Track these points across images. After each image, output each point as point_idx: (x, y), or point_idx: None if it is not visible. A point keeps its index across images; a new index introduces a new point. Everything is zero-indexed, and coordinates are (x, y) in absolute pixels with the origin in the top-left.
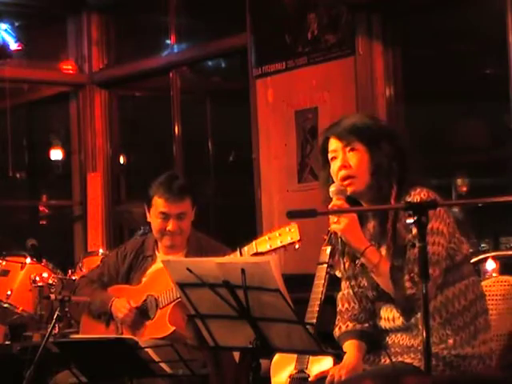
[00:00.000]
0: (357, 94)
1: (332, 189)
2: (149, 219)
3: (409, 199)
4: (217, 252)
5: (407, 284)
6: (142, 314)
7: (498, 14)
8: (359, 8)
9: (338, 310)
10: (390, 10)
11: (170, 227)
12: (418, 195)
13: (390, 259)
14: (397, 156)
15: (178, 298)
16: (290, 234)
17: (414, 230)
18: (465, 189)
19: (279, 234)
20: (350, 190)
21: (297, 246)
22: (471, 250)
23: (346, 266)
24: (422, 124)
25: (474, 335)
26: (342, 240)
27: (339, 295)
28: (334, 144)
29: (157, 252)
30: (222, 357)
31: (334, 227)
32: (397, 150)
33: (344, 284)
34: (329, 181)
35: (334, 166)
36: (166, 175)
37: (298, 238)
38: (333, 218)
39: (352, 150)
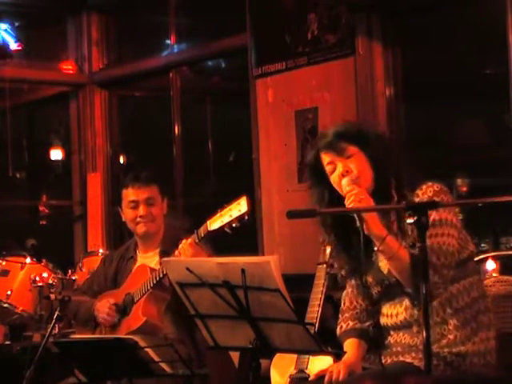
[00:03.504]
0: (357, 94)
1: (344, 182)
2: (123, 218)
3: (420, 192)
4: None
5: (430, 271)
6: (122, 312)
7: (498, 13)
8: (359, 8)
9: (340, 308)
10: (389, 10)
11: (140, 212)
12: (430, 188)
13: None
14: (387, 147)
15: (149, 290)
16: (239, 206)
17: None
18: (465, 189)
19: (230, 209)
20: None
21: (246, 218)
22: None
23: (347, 264)
24: (422, 124)
25: (475, 332)
26: (360, 218)
27: (344, 293)
28: (327, 158)
29: (138, 252)
30: (221, 361)
31: (356, 205)
32: (384, 142)
33: (349, 282)
34: (324, 196)
35: (335, 176)
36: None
37: (246, 209)
38: (354, 198)
39: (348, 155)
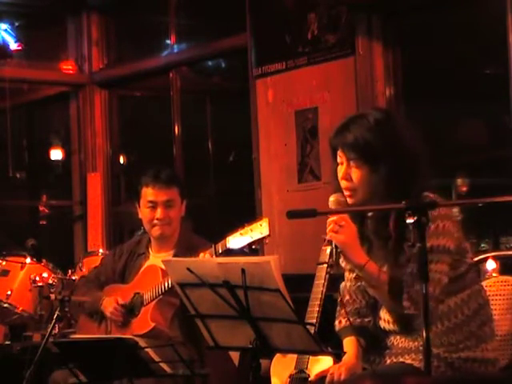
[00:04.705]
0: (357, 94)
1: (331, 199)
2: (140, 215)
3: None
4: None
5: (405, 303)
6: (129, 311)
7: (498, 13)
8: (359, 8)
9: (339, 300)
10: (390, 10)
11: (158, 215)
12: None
13: (390, 277)
14: (398, 175)
15: (160, 295)
16: (260, 229)
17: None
18: (465, 189)
19: (251, 230)
20: (350, 201)
21: (267, 241)
22: (474, 258)
23: None
24: (422, 124)
25: (477, 344)
26: (337, 251)
27: (342, 285)
28: (339, 153)
29: (150, 250)
30: (219, 359)
31: (332, 236)
32: (399, 169)
33: (347, 275)
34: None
35: (339, 172)
36: (153, 167)
37: (268, 233)
38: (333, 227)
39: (355, 166)
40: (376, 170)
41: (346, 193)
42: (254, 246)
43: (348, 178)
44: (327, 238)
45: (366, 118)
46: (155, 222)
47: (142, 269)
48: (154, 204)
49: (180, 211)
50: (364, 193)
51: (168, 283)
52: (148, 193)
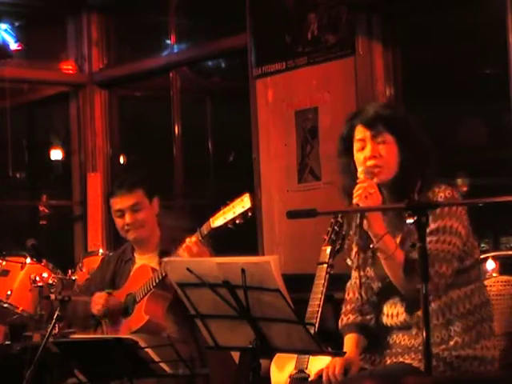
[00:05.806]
0: (357, 94)
1: (360, 168)
2: (116, 226)
3: (432, 196)
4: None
5: (418, 278)
6: (124, 312)
7: (498, 13)
8: (359, 8)
9: (344, 298)
10: (390, 10)
11: (127, 220)
12: (442, 193)
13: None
14: (421, 149)
15: (151, 289)
16: (242, 203)
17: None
18: (465, 189)
19: (233, 206)
20: (376, 180)
21: (249, 214)
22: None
23: (356, 254)
24: (422, 124)
25: (477, 340)
26: (362, 216)
27: (348, 284)
28: (361, 133)
29: (135, 254)
30: (220, 358)
31: (361, 201)
32: (420, 143)
33: (353, 273)
34: (350, 167)
35: (361, 155)
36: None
37: (250, 205)
38: (362, 191)
39: (382, 141)
40: (404, 142)
41: (375, 170)
42: (237, 221)
43: (376, 155)
44: (354, 202)
45: (376, 103)
46: (126, 227)
47: (132, 272)
48: (121, 212)
49: (151, 211)
50: (392, 169)
51: (158, 277)
52: (115, 202)
